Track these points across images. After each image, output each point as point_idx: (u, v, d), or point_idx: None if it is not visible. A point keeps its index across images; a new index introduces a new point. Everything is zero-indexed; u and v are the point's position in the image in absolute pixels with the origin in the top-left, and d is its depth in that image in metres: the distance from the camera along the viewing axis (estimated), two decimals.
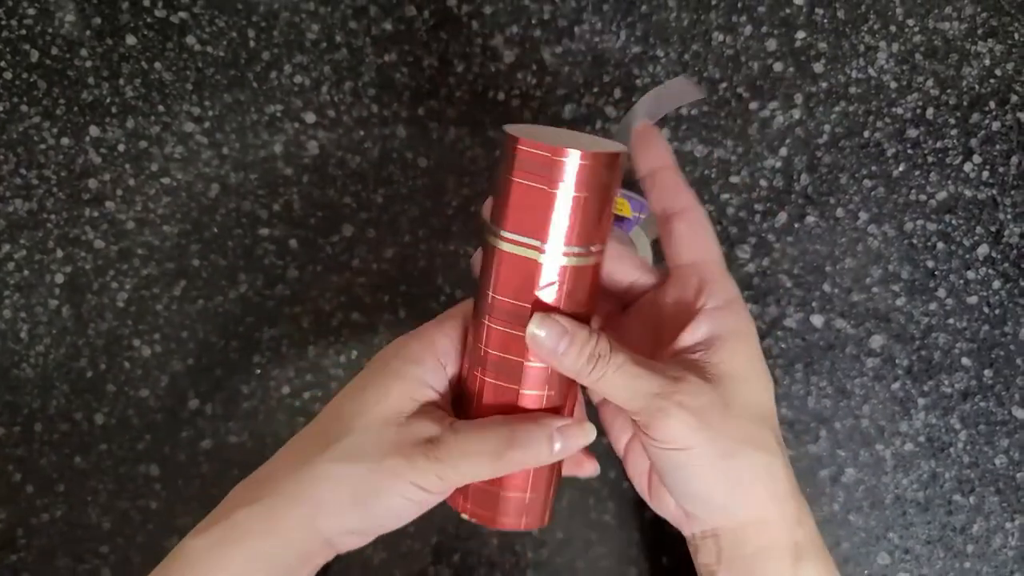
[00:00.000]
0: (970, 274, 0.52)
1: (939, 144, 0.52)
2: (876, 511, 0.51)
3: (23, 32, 0.52)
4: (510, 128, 0.36)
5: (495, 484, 0.39)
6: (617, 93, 0.52)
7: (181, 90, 0.52)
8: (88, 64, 0.52)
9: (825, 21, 0.52)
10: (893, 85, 0.52)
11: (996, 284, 0.52)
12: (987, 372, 0.51)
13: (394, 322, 0.53)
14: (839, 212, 0.52)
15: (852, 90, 0.52)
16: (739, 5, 0.52)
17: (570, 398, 0.40)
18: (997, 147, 0.52)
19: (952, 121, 0.52)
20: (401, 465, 0.36)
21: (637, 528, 0.50)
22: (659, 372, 0.37)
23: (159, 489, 0.52)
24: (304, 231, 0.52)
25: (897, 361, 0.51)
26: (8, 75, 0.52)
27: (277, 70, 0.52)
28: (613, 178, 0.36)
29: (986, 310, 0.52)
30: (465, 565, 0.52)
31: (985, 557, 0.51)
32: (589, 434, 0.38)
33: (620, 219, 0.49)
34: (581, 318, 0.38)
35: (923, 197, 0.52)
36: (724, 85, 0.52)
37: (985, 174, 0.52)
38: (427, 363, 0.39)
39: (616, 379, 0.37)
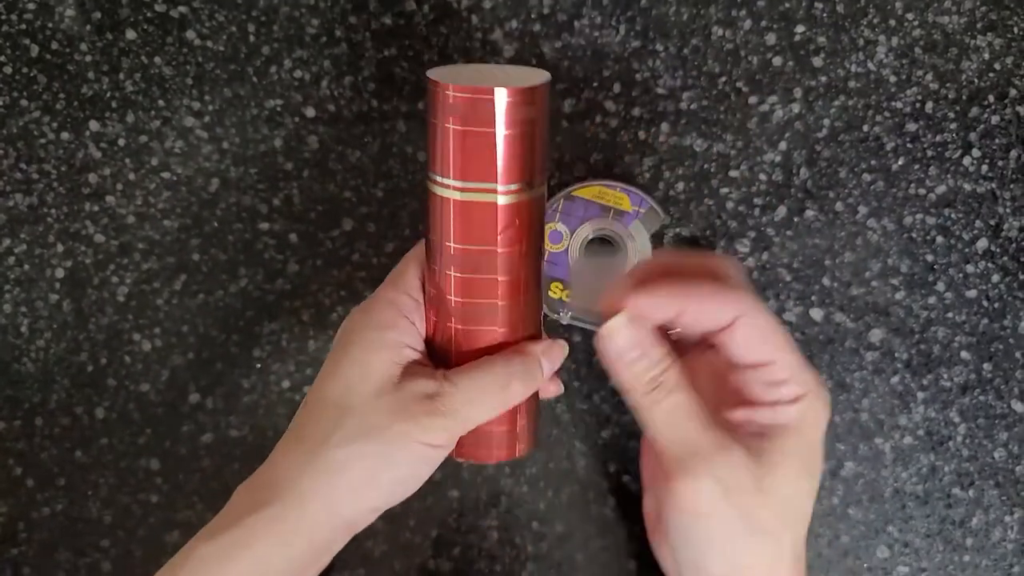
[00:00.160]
0: (969, 268, 0.52)
1: (938, 138, 0.52)
2: (875, 504, 0.51)
3: (23, 27, 0.52)
4: (434, 74, 0.36)
5: (488, 422, 0.39)
6: (617, 88, 0.52)
7: (181, 85, 0.52)
8: (88, 59, 0.52)
9: (824, 15, 0.52)
10: (892, 79, 0.52)
11: (995, 278, 0.52)
12: (986, 366, 0.51)
13: None
14: (838, 206, 0.52)
15: (851, 84, 0.52)
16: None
17: (537, 320, 0.40)
18: (996, 141, 0.52)
19: (951, 115, 0.52)
20: (408, 429, 0.36)
21: (637, 522, 0.51)
22: (710, 431, 0.35)
23: (160, 483, 0.52)
24: (304, 225, 0.52)
25: (896, 355, 0.52)
26: (8, 69, 0.52)
27: (277, 65, 0.52)
28: (546, 104, 0.36)
29: (985, 304, 0.52)
30: (465, 558, 0.52)
31: (984, 550, 0.51)
32: (565, 348, 0.39)
33: (620, 213, 0.50)
34: (535, 251, 0.38)
35: (922, 191, 0.52)
36: (723, 79, 0.52)
37: (984, 168, 0.52)
38: (399, 325, 0.38)
39: (665, 415, 0.35)
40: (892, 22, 0.52)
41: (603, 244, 0.51)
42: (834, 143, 0.52)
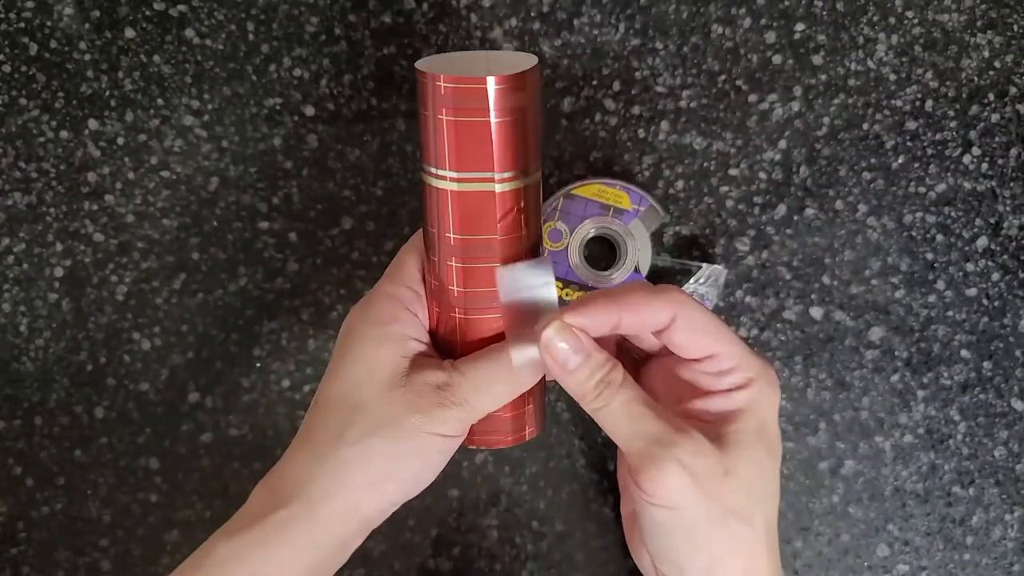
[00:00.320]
0: (969, 266, 0.52)
1: (938, 136, 0.52)
2: (875, 503, 0.51)
3: (22, 25, 0.52)
4: (422, 65, 0.35)
5: (499, 408, 0.39)
6: (616, 86, 0.52)
7: (180, 83, 0.52)
8: (87, 57, 0.52)
9: (824, 13, 0.52)
10: (892, 77, 0.52)
11: (995, 276, 0.52)
12: (986, 364, 0.51)
13: None
14: (838, 204, 0.52)
15: (851, 82, 0.52)
16: None
17: None
18: (996, 139, 0.52)
19: (951, 113, 0.52)
20: (422, 421, 0.36)
21: None
22: (665, 419, 0.36)
23: (159, 482, 0.52)
24: (304, 224, 0.52)
25: (896, 353, 0.52)
26: (7, 68, 0.52)
27: (276, 63, 0.52)
28: (537, 88, 0.36)
29: (985, 302, 0.52)
30: (465, 557, 0.52)
31: (984, 549, 0.51)
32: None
33: (620, 211, 0.50)
34: (535, 236, 0.38)
35: (922, 189, 0.52)
36: (723, 78, 0.52)
37: (984, 166, 0.52)
38: (401, 318, 0.38)
39: (619, 413, 0.36)
40: (892, 20, 0.52)
41: (601, 243, 0.51)
42: (834, 141, 0.52)
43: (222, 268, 0.52)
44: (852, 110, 0.52)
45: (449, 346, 0.39)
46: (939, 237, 0.52)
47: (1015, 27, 0.52)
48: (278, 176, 0.52)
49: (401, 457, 0.37)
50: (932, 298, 0.52)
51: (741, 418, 0.37)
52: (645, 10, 0.52)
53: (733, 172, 0.52)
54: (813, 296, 0.52)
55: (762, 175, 0.52)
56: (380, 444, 0.36)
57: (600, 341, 0.37)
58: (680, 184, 0.52)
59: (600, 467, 0.52)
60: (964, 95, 0.52)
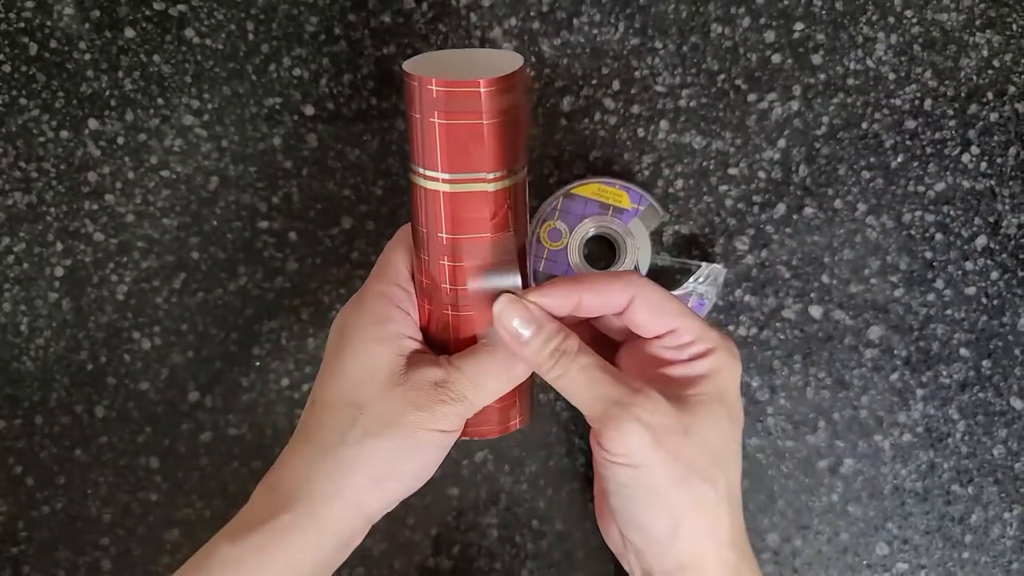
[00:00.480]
0: (968, 265, 0.52)
1: (937, 135, 0.52)
2: (875, 501, 0.52)
3: (21, 25, 0.52)
4: (410, 67, 0.36)
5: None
6: (616, 85, 0.52)
7: (180, 83, 0.52)
8: (87, 57, 0.52)
9: (823, 12, 0.52)
10: (891, 76, 0.52)
11: (994, 275, 0.52)
12: (985, 363, 0.52)
13: None
14: (837, 203, 0.52)
15: (850, 81, 0.52)
16: None
17: None
18: (995, 138, 0.52)
19: (950, 112, 0.52)
20: (422, 419, 0.37)
21: None
22: (623, 382, 0.37)
23: (159, 481, 0.52)
24: (303, 223, 0.52)
25: (895, 352, 0.52)
26: (7, 68, 0.52)
27: (276, 63, 0.52)
28: (525, 87, 0.37)
29: (984, 301, 0.52)
30: (465, 556, 0.52)
31: (983, 547, 0.51)
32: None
33: (620, 211, 0.50)
34: (524, 232, 0.38)
35: (921, 188, 0.52)
36: (722, 77, 0.52)
37: (983, 165, 0.52)
38: (395, 317, 0.39)
39: (578, 379, 0.37)
40: (891, 19, 0.52)
41: (600, 242, 0.51)
42: (833, 140, 0.52)
43: (222, 267, 0.52)
44: (851, 109, 0.52)
45: (442, 343, 0.40)
46: (938, 236, 0.52)
47: (1014, 26, 0.52)
48: (278, 176, 0.52)
49: (403, 455, 0.37)
50: (931, 297, 0.52)
51: (701, 383, 0.38)
52: (644, 9, 0.52)
53: (732, 171, 0.52)
54: (812, 295, 0.52)
55: (761, 174, 0.52)
56: (382, 443, 0.37)
57: (575, 329, 0.38)
58: (679, 183, 0.52)
59: None
60: (963, 94, 0.52)
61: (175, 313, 0.52)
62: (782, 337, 0.52)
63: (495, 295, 0.38)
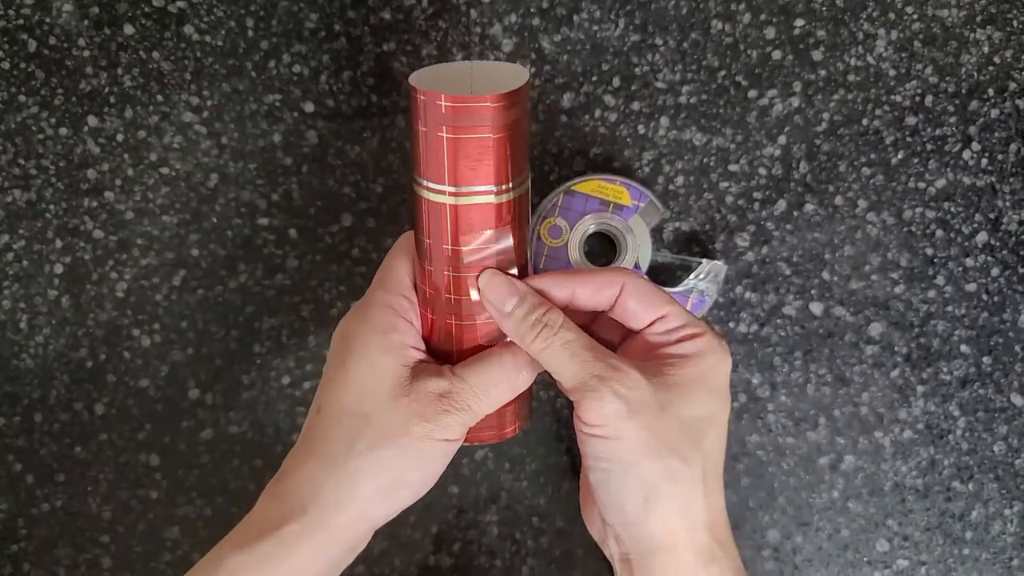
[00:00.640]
0: (969, 261, 0.52)
1: (938, 132, 0.52)
2: (875, 498, 0.51)
3: (20, 22, 0.52)
4: (416, 81, 0.36)
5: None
6: (616, 82, 0.52)
7: (180, 80, 0.52)
8: (86, 54, 0.52)
9: (824, 9, 0.52)
10: (892, 73, 0.52)
11: (995, 271, 0.52)
12: (986, 359, 0.51)
13: None
14: (838, 200, 0.52)
15: (851, 78, 0.52)
16: None
17: None
18: (996, 134, 0.52)
19: (951, 109, 0.52)
20: (427, 429, 0.37)
21: None
22: (604, 358, 0.37)
23: (159, 479, 0.52)
24: (303, 221, 0.52)
25: (896, 349, 0.52)
26: (6, 65, 0.52)
27: (276, 59, 0.52)
28: (528, 100, 0.38)
29: (985, 297, 0.52)
30: (465, 554, 0.52)
31: (984, 544, 0.51)
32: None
33: (620, 207, 0.50)
34: (526, 241, 0.39)
35: (922, 185, 0.52)
36: (723, 73, 0.52)
37: (984, 161, 0.52)
38: (399, 327, 0.39)
39: (561, 353, 0.37)
40: (891, 15, 0.52)
41: (601, 239, 0.51)
42: (833, 137, 0.52)
43: (222, 265, 0.52)
44: (852, 106, 0.52)
45: (444, 352, 0.40)
46: (939, 232, 0.52)
47: (1015, 23, 0.52)
48: (278, 172, 0.52)
49: (409, 465, 0.38)
50: (932, 293, 0.52)
51: (684, 363, 0.39)
52: (644, 6, 0.52)
53: (733, 168, 0.52)
54: (813, 292, 0.52)
55: (762, 171, 0.52)
56: (389, 454, 0.37)
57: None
58: (680, 180, 0.52)
59: None
60: (964, 91, 0.52)
61: (175, 310, 0.52)
62: (783, 334, 0.52)
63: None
